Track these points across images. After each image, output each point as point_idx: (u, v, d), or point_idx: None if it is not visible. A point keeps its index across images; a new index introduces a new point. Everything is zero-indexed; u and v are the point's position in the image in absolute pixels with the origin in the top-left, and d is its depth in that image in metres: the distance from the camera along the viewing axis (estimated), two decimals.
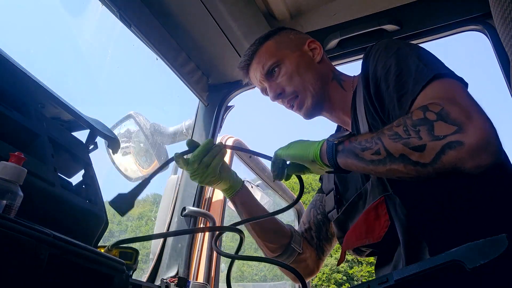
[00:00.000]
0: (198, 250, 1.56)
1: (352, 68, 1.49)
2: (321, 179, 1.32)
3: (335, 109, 1.15)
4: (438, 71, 0.81)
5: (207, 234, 1.60)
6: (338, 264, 1.03)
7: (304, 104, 1.14)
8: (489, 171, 0.78)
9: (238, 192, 1.22)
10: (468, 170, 0.69)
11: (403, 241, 0.79)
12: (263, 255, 1.30)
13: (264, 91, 1.22)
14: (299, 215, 2.57)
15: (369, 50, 0.98)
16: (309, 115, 1.15)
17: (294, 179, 1.09)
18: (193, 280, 1.48)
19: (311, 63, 1.17)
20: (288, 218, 3.10)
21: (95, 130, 0.96)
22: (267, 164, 2.24)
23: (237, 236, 1.11)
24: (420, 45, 1.61)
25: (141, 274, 1.61)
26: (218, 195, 1.74)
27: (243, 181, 1.25)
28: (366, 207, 0.93)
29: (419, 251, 0.76)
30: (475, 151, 0.67)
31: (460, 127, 0.69)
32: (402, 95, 0.83)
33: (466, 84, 0.83)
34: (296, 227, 2.51)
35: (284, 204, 2.66)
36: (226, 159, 1.83)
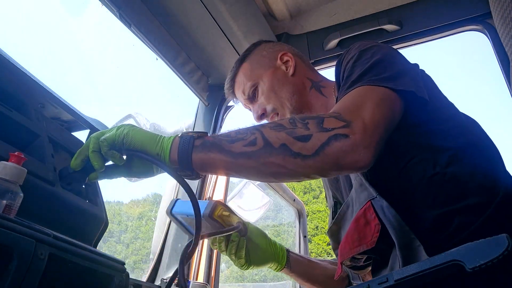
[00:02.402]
0: (198, 250, 1.56)
1: None
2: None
3: None
4: (371, 82, 0.82)
5: None
6: (336, 278, 1.01)
7: None
8: (478, 168, 0.80)
9: (286, 266, 1.17)
10: (346, 166, 0.72)
11: (398, 242, 0.78)
12: None
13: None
14: (299, 215, 2.57)
15: (342, 55, 0.99)
16: None
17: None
18: (193, 280, 1.48)
19: (285, 78, 1.17)
20: (289, 219, 3.10)
21: (95, 130, 0.95)
22: None
23: None
24: (420, 45, 1.65)
25: (141, 274, 1.61)
26: (218, 195, 1.74)
27: (288, 252, 1.18)
28: (354, 215, 0.91)
29: (413, 251, 0.75)
30: (357, 146, 0.71)
31: (348, 123, 0.73)
32: (339, 97, 0.88)
33: (415, 94, 0.83)
34: (297, 227, 2.53)
35: (284, 204, 2.67)
36: None
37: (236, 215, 1.04)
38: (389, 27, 1.62)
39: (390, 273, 0.57)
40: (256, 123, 1.21)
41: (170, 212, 1.05)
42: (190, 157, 0.73)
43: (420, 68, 0.98)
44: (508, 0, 1.07)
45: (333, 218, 1.09)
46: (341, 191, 1.09)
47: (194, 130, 0.78)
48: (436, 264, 0.53)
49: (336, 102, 0.94)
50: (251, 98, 1.20)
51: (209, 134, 0.78)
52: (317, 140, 0.71)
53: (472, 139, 0.88)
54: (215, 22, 1.53)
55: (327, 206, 1.30)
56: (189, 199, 0.77)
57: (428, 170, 0.82)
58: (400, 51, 1.67)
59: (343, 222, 1.00)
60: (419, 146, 0.85)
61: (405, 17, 1.61)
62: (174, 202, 1.06)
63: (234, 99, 1.31)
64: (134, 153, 0.75)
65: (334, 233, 1.05)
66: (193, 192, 0.77)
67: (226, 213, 1.02)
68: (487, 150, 0.89)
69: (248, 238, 1.10)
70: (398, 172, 0.85)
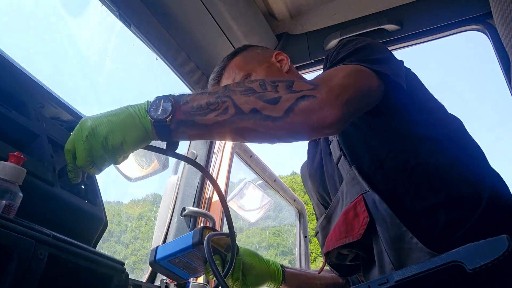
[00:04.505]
0: None
1: None
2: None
3: None
4: (350, 61, 0.85)
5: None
6: (319, 272, 0.99)
7: None
8: (463, 157, 0.82)
9: (283, 282, 1.17)
10: (315, 124, 0.73)
11: (388, 235, 0.78)
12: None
13: None
14: (300, 215, 2.57)
15: (331, 52, 1.01)
16: None
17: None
18: (193, 280, 1.47)
19: (280, 73, 1.20)
20: (289, 219, 3.10)
21: None
22: (268, 164, 2.24)
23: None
24: (420, 45, 1.65)
25: (141, 274, 1.61)
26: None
27: (282, 268, 1.19)
28: (343, 209, 0.92)
29: (407, 243, 0.76)
30: (323, 104, 0.73)
31: (316, 86, 0.76)
32: None
33: (390, 76, 0.85)
34: (298, 227, 2.52)
35: (285, 204, 2.66)
36: (226, 160, 1.83)
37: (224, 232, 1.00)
38: (389, 27, 1.62)
39: (390, 273, 0.57)
40: None
41: (154, 261, 0.98)
42: (171, 139, 0.76)
43: (414, 70, 1.01)
44: (508, 0, 1.07)
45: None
46: (328, 190, 1.08)
47: (158, 99, 0.74)
48: (437, 265, 0.53)
49: None
50: None
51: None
52: (285, 101, 0.73)
53: (453, 132, 0.90)
54: (215, 22, 1.53)
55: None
56: (167, 242, 0.78)
57: (410, 160, 0.84)
58: (400, 51, 1.69)
59: (334, 216, 1.00)
60: (401, 135, 0.87)
61: (405, 17, 1.61)
62: (155, 250, 0.99)
63: None
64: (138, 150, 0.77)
65: (325, 227, 1.05)
66: (202, 167, 0.86)
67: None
68: (468, 144, 0.90)
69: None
70: (382, 162, 0.86)
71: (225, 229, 1.67)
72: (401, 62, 0.98)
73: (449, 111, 0.98)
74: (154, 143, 0.79)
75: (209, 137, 0.78)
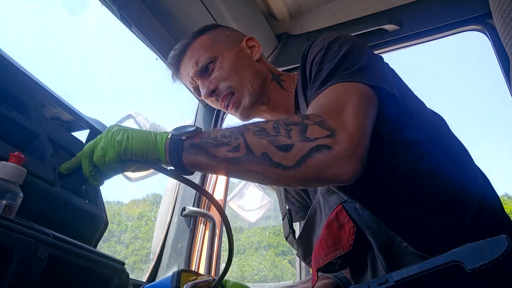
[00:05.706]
0: (198, 250, 1.56)
1: None
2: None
3: (277, 110, 1.09)
4: (344, 78, 0.79)
5: (207, 234, 1.60)
6: (312, 286, 0.97)
7: (242, 103, 1.06)
8: (447, 161, 0.81)
9: None
10: (328, 179, 0.69)
11: (377, 242, 0.76)
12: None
13: (196, 90, 1.13)
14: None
15: (307, 46, 0.96)
16: (246, 115, 1.08)
17: None
18: None
19: (250, 61, 1.10)
20: None
21: (95, 130, 0.95)
22: None
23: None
24: (420, 45, 1.65)
25: (141, 274, 1.61)
26: (218, 195, 1.74)
27: None
28: (324, 220, 0.88)
29: (396, 247, 0.74)
30: (340, 159, 0.67)
31: (332, 133, 0.69)
32: (311, 95, 0.84)
33: (383, 89, 0.81)
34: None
35: None
36: None
37: (204, 275, 0.97)
38: (389, 27, 1.62)
39: (390, 273, 0.57)
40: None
41: None
42: (181, 159, 0.74)
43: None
44: (508, 0, 1.07)
45: (290, 227, 1.07)
46: (308, 191, 1.05)
47: (186, 125, 0.77)
48: (436, 265, 0.53)
49: (306, 100, 0.92)
50: (203, 72, 1.08)
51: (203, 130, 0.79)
52: (298, 151, 0.68)
53: (438, 133, 0.88)
54: (215, 22, 1.53)
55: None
56: (153, 282, 0.76)
57: (400, 166, 0.81)
58: (400, 51, 1.69)
59: (312, 227, 0.96)
60: (389, 142, 0.84)
61: (405, 17, 1.61)
62: None
63: (173, 71, 1.18)
64: (141, 164, 0.77)
65: (304, 238, 1.00)
66: (201, 187, 0.80)
67: (193, 277, 0.94)
68: (453, 145, 0.89)
69: None
70: (369, 170, 0.80)
71: (225, 229, 1.66)
72: (381, 58, 0.94)
73: (434, 108, 0.95)
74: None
75: (217, 170, 0.76)
